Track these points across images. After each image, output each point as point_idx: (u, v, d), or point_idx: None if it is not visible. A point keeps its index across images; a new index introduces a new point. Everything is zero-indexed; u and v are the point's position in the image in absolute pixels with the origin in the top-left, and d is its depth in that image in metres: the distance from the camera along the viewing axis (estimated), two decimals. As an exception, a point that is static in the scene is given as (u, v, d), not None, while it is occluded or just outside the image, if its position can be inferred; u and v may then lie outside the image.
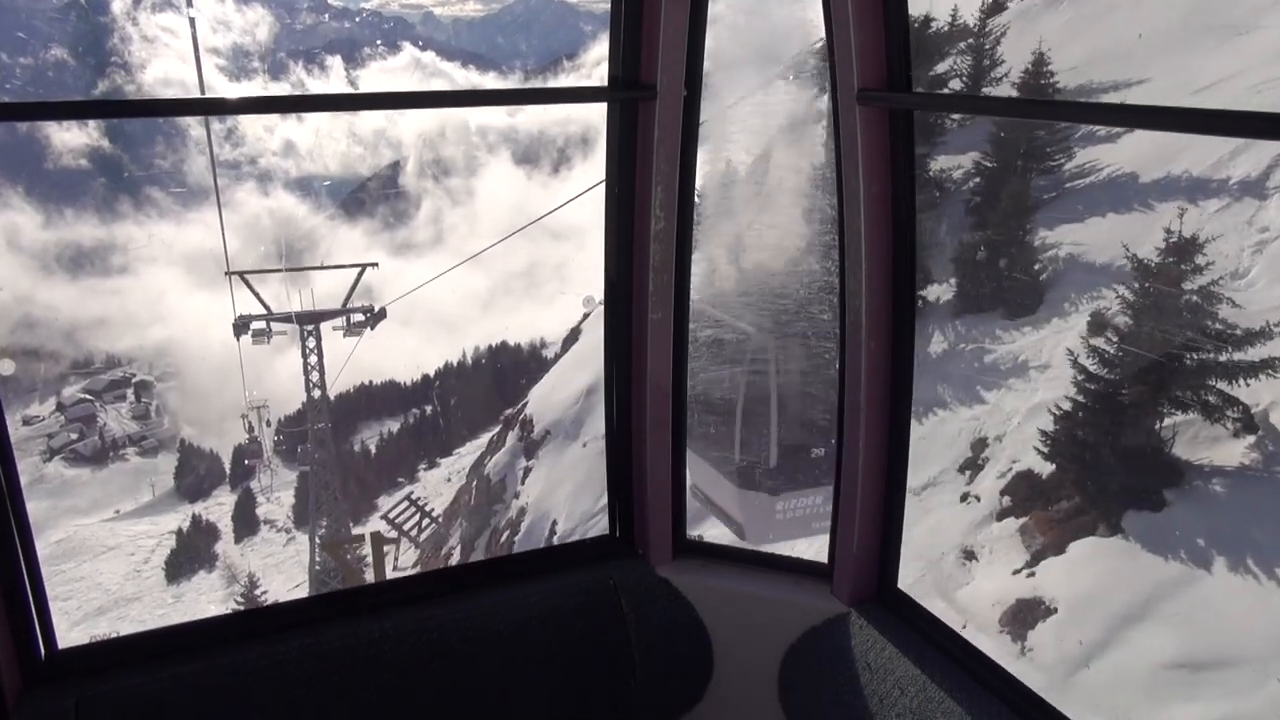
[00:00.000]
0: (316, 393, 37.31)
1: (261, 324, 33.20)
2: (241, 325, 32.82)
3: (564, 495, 26.90)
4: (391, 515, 38.25)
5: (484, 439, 46.08)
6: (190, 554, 46.19)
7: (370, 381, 55.15)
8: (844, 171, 2.96)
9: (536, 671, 3.20)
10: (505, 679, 3.15)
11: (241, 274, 33.85)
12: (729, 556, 3.54)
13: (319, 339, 36.17)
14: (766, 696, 3.27)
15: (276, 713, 2.90)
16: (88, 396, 64.25)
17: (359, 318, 34.48)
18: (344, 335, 34.85)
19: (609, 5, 3.07)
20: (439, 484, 44.71)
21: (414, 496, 41.20)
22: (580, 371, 32.34)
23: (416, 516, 38.20)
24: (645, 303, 3.26)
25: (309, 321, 35.45)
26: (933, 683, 2.77)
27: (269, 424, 47.49)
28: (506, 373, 51.17)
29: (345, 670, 2.99)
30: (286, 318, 34.41)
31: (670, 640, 3.33)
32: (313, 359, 36.58)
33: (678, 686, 3.37)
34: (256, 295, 33.83)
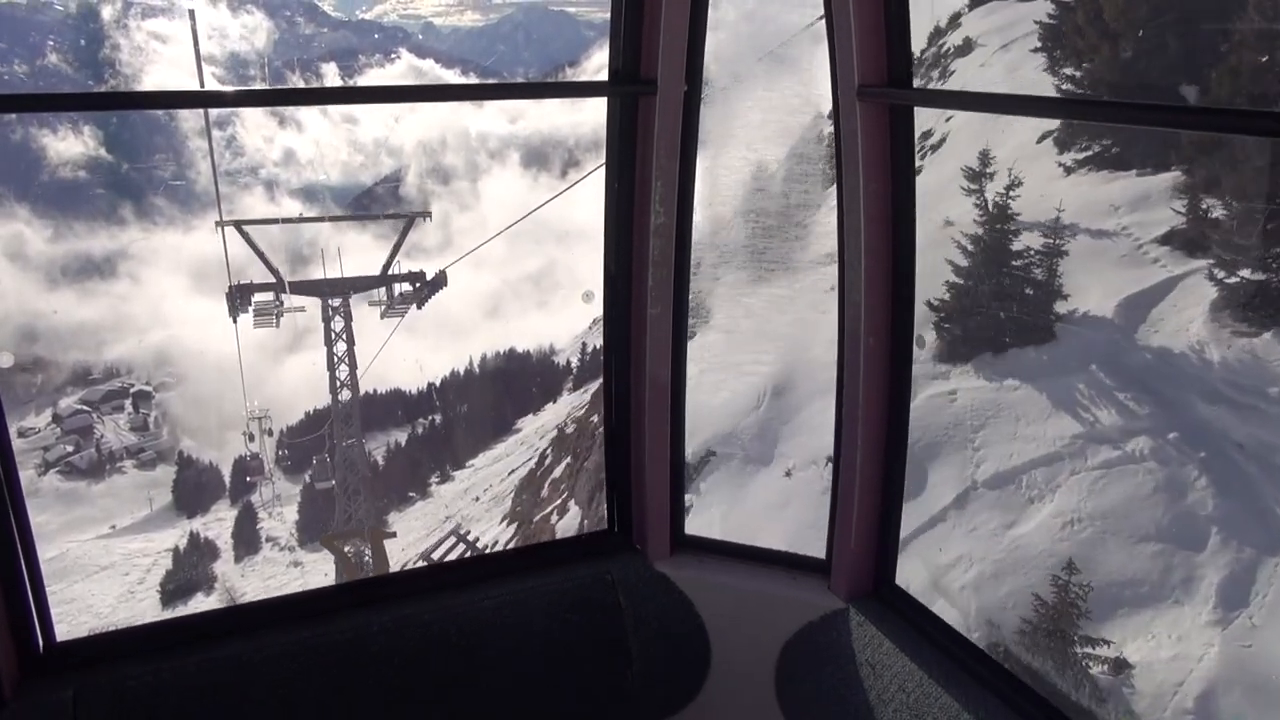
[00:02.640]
0: (345, 394, 28.57)
1: (268, 296, 24.44)
2: (240, 296, 24.25)
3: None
4: (436, 556, 30.30)
5: (498, 449, 43.87)
6: (187, 575, 43.52)
7: (375, 390, 53.25)
8: (843, 167, 2.98)
9: (534, 666, 3.20)
10: (503, 673, 3.15)
11: (237, 224, 25.56)
12: (727, 552, 3.55)
13: (349, 320, 26.82)
14: (764, 692, 3.26)
15: (275, 705, 2.90)
16: (84, 407, 63.65)
17: (405, 288, 25.46)
18: (383, 314, 26.07)
19: (609, 9, 3.09)
20: (456, 499, 40.99)
21: (461, 530, 32.43)
22: (749, 354, 20.38)
23: (468, 556, 27.17)
24: (645, 297, 3.27)
25: (337, 293, 26.34)
26: (930, 678, 2.78)
27: (270, 433, 45.91)
28: (516, 379, 49.89)
29: (344, 664, 2.99)
30: (305, 287, 25.90)
31: (668, 635, 3.33)
32: (341, 347, 27.35)
33: (675, 681, 3.36)
34: (260, 254, 25.07)
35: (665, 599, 3.36)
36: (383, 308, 26.04)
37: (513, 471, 38.56)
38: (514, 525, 30.87)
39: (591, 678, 3.26)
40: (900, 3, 2.79)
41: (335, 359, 27.68)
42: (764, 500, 16.01)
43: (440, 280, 25.49)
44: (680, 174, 3.20)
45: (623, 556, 3.47)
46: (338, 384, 28.22)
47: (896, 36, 2.82)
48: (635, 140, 3.18)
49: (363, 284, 26.32)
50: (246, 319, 24.90)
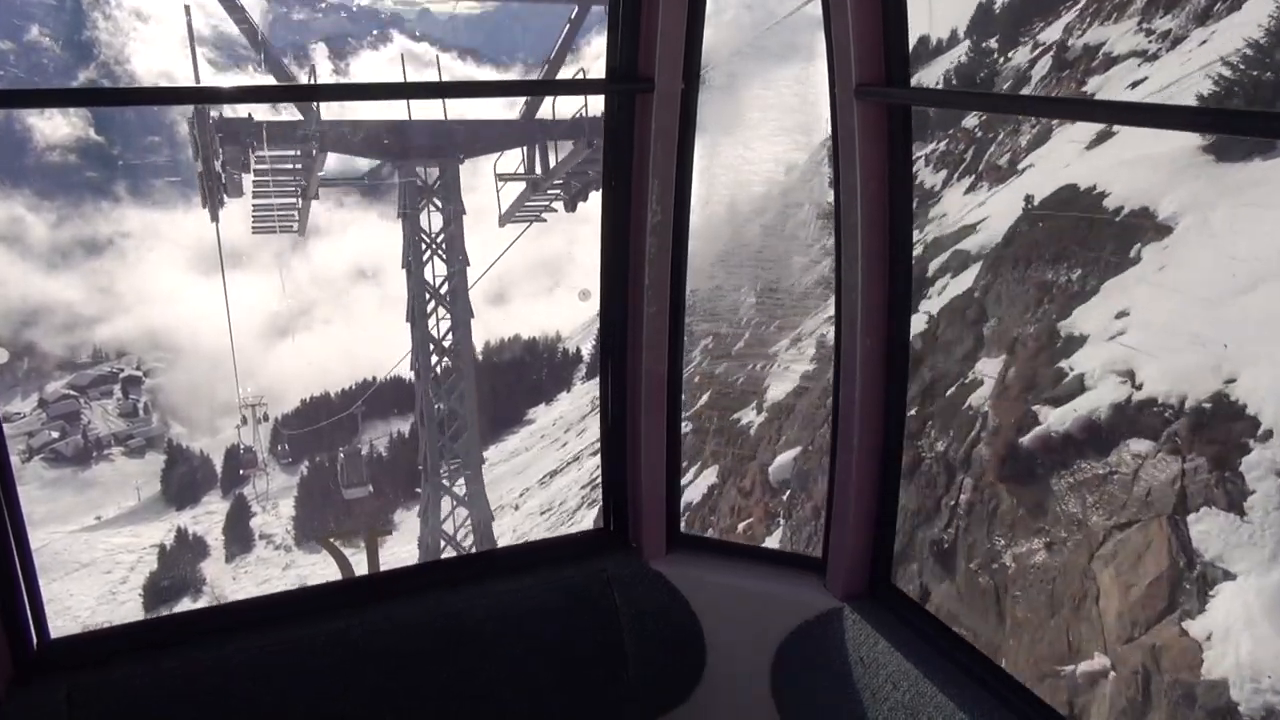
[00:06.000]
0: (444, 351, 15.84)
1: (289, 153, 13.81)
2: (225, 136, 13.65)
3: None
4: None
5: (512, 442, 42.44)
6: (173, 576, 40.74)
7: (374, 377, 50.62)
8: (841, 167, 2.97)
9: (529, 665, 3.20)
10: (498, 672, 3.16)
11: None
12: (723, 550, 3.57)
13: (458, 215, 14.94)
14: (759, 690, 3.28)
15: (270, 704, 2.90)
16: (72, 392, 63.03)
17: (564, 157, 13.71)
18: (505, 217, 15.26)
19: (606, 2, 3.09)
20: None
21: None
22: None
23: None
24: (641, 296, 3.27)
25: (429, 157, 14.32)
26: (925, 677, 2.79)
27: (265, 419, 44.41)
28: (525, 367, 48.52)
29: (339, 662, 2.99)
30: (357, 142, 14.24)
31: (663, 634, 3.34)
32: (435, 273, 15.20)
33: (670, 680, 3.38)
34: (246, 27, 14.86)
35: (661, 597, 3.37)
36: (513, 202, 14.72)
37: (553, 474, 35.98)
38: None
39: (586, 676, 3.26)
40: (899, 2, 2.78)
41: (425, 289, 15.29)
42: None
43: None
44: (678, 172, 3.20)
45: (618, 554, 3.47)
46: (435, 348, 15.85)
47: (895, 35, 2.81)
48: (633, 138, 3.17)
49: (488, 138, 14.43)
50: (236, 212, 14.42)
